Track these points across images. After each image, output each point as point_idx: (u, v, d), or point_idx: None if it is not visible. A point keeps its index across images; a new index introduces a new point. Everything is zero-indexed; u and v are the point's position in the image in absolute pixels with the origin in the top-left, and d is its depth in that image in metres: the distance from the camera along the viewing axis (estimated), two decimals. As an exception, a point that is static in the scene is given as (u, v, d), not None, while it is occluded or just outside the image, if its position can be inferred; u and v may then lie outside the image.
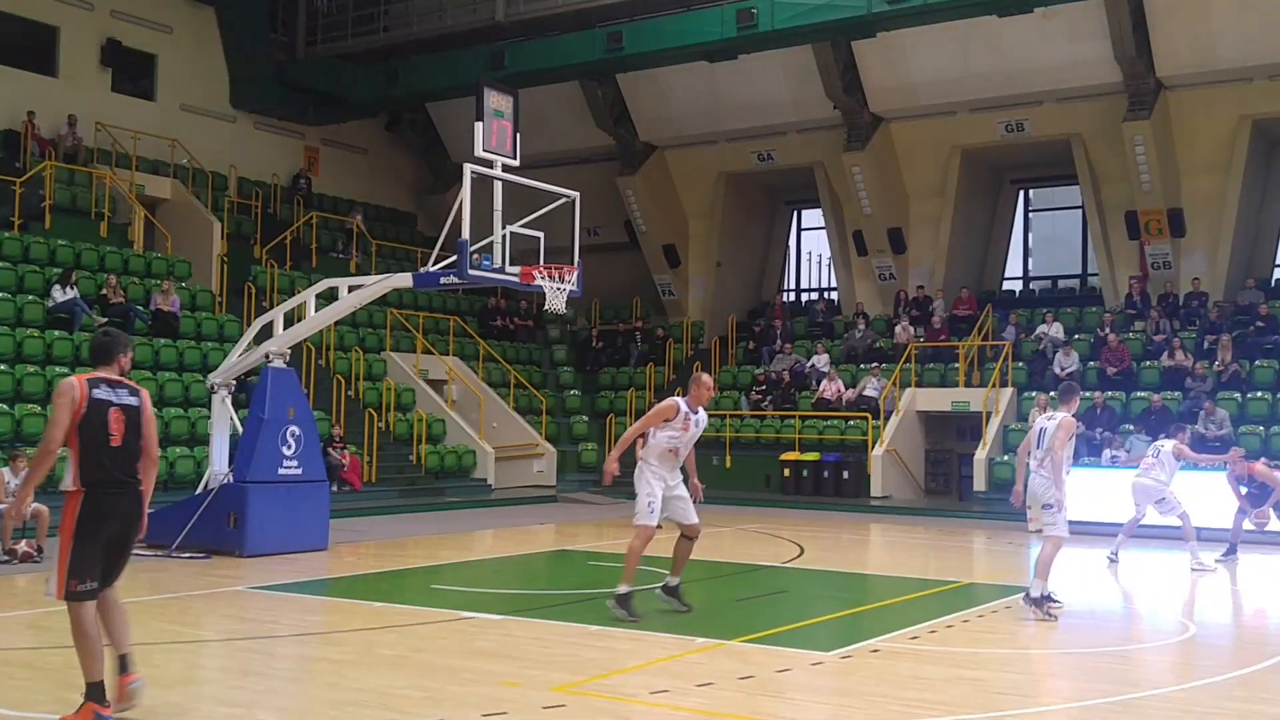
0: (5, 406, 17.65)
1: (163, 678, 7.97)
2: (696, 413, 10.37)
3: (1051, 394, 22.30)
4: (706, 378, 10.56)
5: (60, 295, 20.15)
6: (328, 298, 15.62)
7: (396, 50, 28.87)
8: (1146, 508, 15.04)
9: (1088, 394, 22.08)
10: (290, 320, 15.73)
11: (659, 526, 10.25)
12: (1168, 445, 14.96)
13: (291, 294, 17.58)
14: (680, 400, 10.27)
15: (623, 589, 10.15)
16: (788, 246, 31.97)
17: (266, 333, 15.67)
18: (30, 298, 20.09)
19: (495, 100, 13.86)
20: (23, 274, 20.59)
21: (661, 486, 10.15)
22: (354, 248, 27.85)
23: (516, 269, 13.96)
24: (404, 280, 14.90)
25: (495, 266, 13.74)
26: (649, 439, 10.29)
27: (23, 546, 13.49)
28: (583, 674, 8.26)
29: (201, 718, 7.02)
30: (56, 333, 19.62)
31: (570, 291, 14.07)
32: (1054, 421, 10.84)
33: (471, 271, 13.49)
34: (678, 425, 10.15)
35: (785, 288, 31.84)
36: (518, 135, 14.08)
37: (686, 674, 8.14)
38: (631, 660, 8.68)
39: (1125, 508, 15.31)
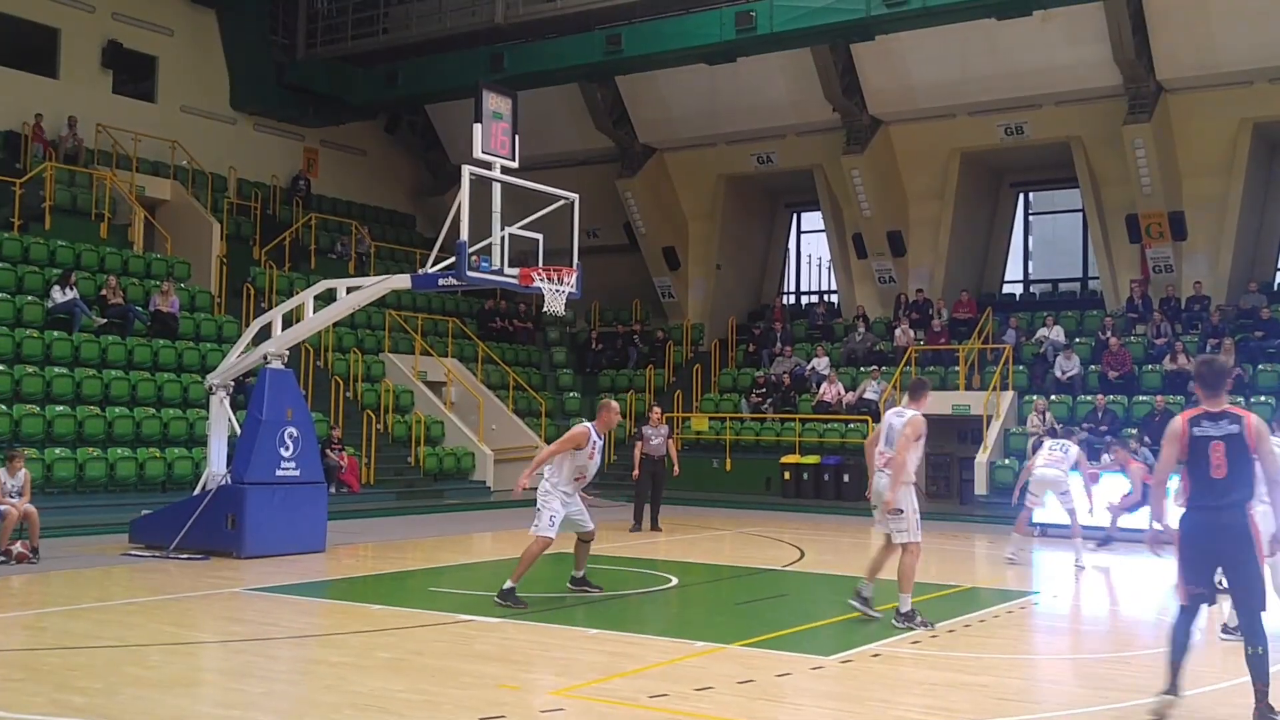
0: (4, 407, 17.61)
1: (159, 679, 7.93)
2: (601, 439, 11.05)
3: (1053, 397, 22.32)
4: (614, 404, 11.10)
5: (60, 296, 20.12)
6: (326, 299, 15.58)
7: (396, 52, 28.87)
8: (1046, 497, 15.27)
9: (1088, 398, 22.06)
10: (289, 321, 15.70)
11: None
12: (1074, 449, 15.29)
13: (290, 295, 17.57)
14: (591, 427, 10.83)
15: (509, 584, 10.78)
16: (787, 249, 31.93)
17: (265, 334, 15.64)
18: (30, 298, 20.07)
19: (494, 102, 13.84)
20: (22, 274, 20.56)
21: (561, 502, 10.92)
22: (352, 249, 27.82)
23: (515, 271, 13.92)
24: (403, 282, 14.88)
25: (494, 268, 13.72)
26: (559, 464, 10.96)
27: (18, 548, 13.44)
28: (581, 678, 8.22)
29: (198, 720, 6.98)
30: (56, 333, 19.58)
31: (569, 293, 14.05)
32: (902, 419, 10.17)
33: (470, 273, 13.47)
34: (585, 454, 10.72)
35: (785, 290, 31.80)
36: (517, 137, 14.06)
37: (685, 678, 8.09)
38: (630, 664, 8.63)
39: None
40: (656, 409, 19.27)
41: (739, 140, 28.27)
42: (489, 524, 19.36)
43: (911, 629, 9.84)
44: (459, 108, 26.59)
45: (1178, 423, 7.07)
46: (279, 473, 14.77)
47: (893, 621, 9.98)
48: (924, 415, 10.22)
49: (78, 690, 7.52)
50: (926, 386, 10.77)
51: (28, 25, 24.91)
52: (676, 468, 19.05)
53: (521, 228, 13.98)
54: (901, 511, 10.03)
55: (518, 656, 8.94)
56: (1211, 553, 6.96)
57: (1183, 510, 7.08)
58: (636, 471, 18.52)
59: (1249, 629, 6.94)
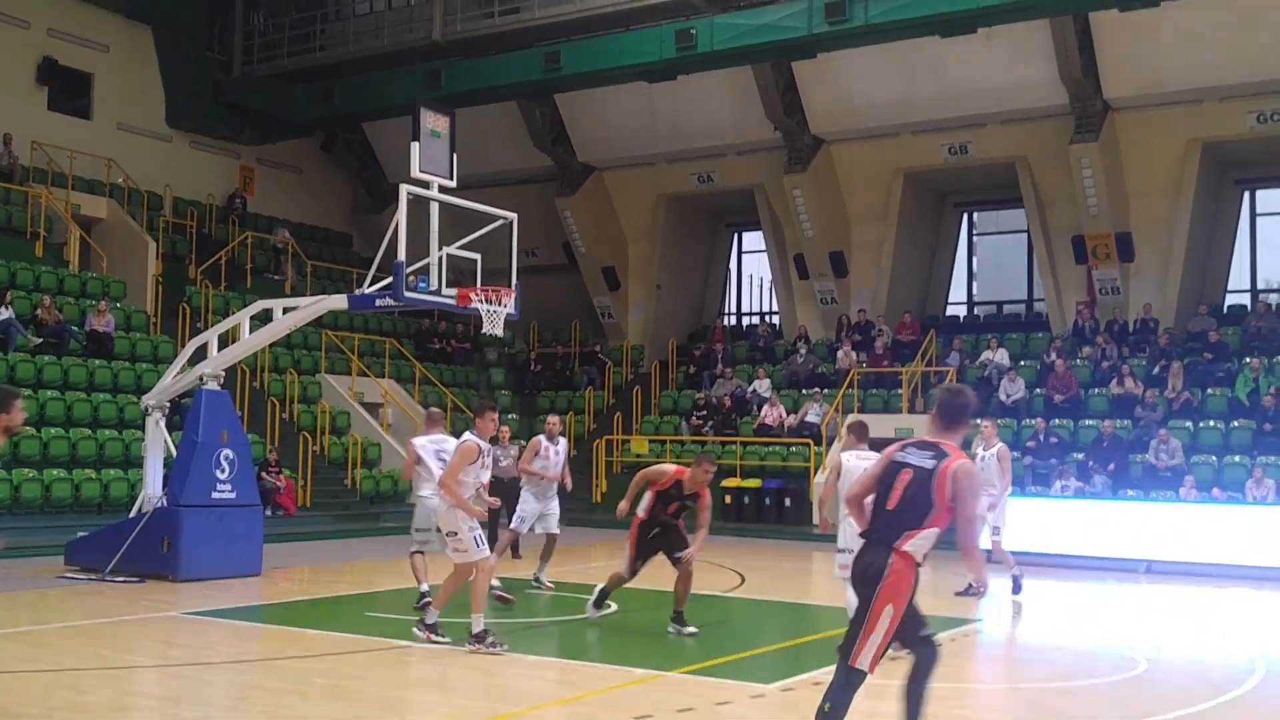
0: (-68, 429, 17.21)
1: (93, 704, 7.79)
2: (491, 448, 10.69)
3: (984, 423, 22.43)
4: (492, 413, 10.37)
5: (-7, 315, 19.74)
6: (263, 319, 15.42)
7: (333, 69, 28.67)
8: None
9: (1031, 422, 21.94)
10: (225, 342, 15.52)
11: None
12: (989, 455, 14.78)
13: (226, 315, 17.38)
14: (475, 438, 10.09)
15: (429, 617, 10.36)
16: (729, 269, 31.97)
17: (201, 354, 15.45)
18: (-42, 318, 19.65)
19: (431, 120, 13.73)
20: (-48, 294, 20.14)
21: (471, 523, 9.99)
22: (289, 268, 27.56)
23: (453, 291, 13.81)
24: (339, 302, 14.77)
25: (432, 289, 13.60)
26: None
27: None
28: (519, 705, 8.16)
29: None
30: (-14, 353, 19.21)
31: (508, 314, 13.97)
32: (867, 461, 9.85)
33: (407, 294, 13.37)
34: (477, 466, 10.08)
35: (726, 311, 31.85)
36: (454, 156, 13.97)
37: (624, 706, 8.05)
38: (569, 691, 8.59)
39: (1069, 538, 15.38)
40: (505, 428, 17.53)
41: (679, 159, 28.24)
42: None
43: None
44: (396, 125, 26.41)
45: (893, 446, 6.43)
46: (215, 495, 14.58)
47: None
48: (879, 439, 10.16)
49: (11, 715, 7.36)
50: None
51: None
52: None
53: (459, 247, 13.88)
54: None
55: (455, 683, 8.86)
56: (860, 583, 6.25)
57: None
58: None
59: (836, 675, 6.27)
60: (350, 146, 31.74)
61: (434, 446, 11.77)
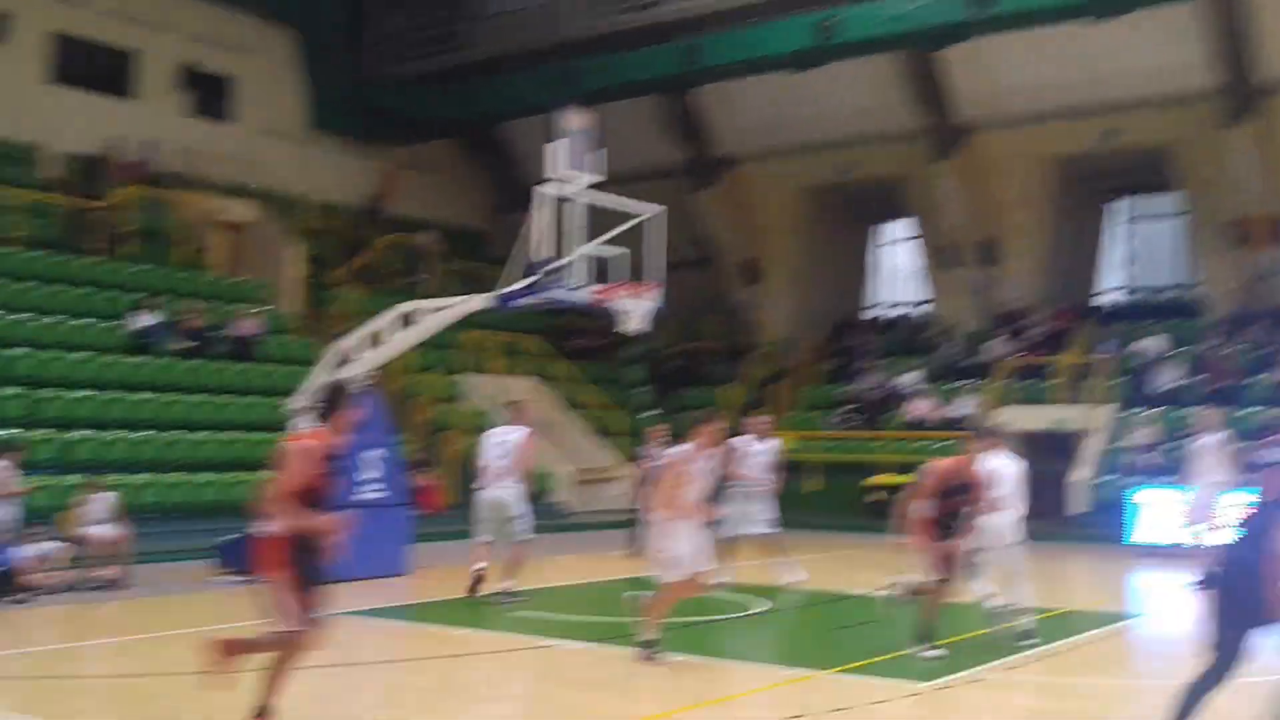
0: (90, 431, 17.65)
1: (245, 704, 7.73)
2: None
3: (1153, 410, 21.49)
4: (716, 424, 9.73)
5: (141, 320, 20.20)
6: (408, 320, 15.45)
7: (471, 69, 28.83)
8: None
9: (1188, 410, 21.06)
10: (371, 343, 15.57)
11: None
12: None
13: (369, 316, 17.47)
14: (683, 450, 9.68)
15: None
16: (873, 261, 31.27)
17: (347, 356, 15.51)
18: (112, 323, 20.15)
19: (571, 118, 13.67)
20: (104, 299, 20.66)
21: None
22: (430, 269, 27.75)
23: (594, 288, 13.68)
24: (483, 302, 14.70)
25: (572, 286, 13.49)
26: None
27: (108, 573, 13.38)
28: (669, 705, 7.92)
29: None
30: (138, 358, 19.64)
31: (650, 310, 13.77)
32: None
33: (548, 292, 13.31)
34: (692, 476, 9.51)
35: (871, 303, 31.15)
36: (594, 153, 13.84)
37: (776, 705, 7.78)
38: (719, 691, 8.36)
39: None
40: (659, 428, 17.88)
41: (820, 150, 27.61)
42: (570, 546, 19.04)
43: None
44: (534, 124, 26.33)
45: None
46: (364, 495, 14.61)
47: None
48: (1032, 431, 9.80)
49: (173, 715, 7.39)
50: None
51: (104, 48, 25.09)
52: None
53: (599, 245, 13.76)
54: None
55: (606, 683, 8.66)
56: None
57: None
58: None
59: None
60: (488, 146, 31.92)
61: (497, 437, 12.60)
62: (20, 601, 12.33)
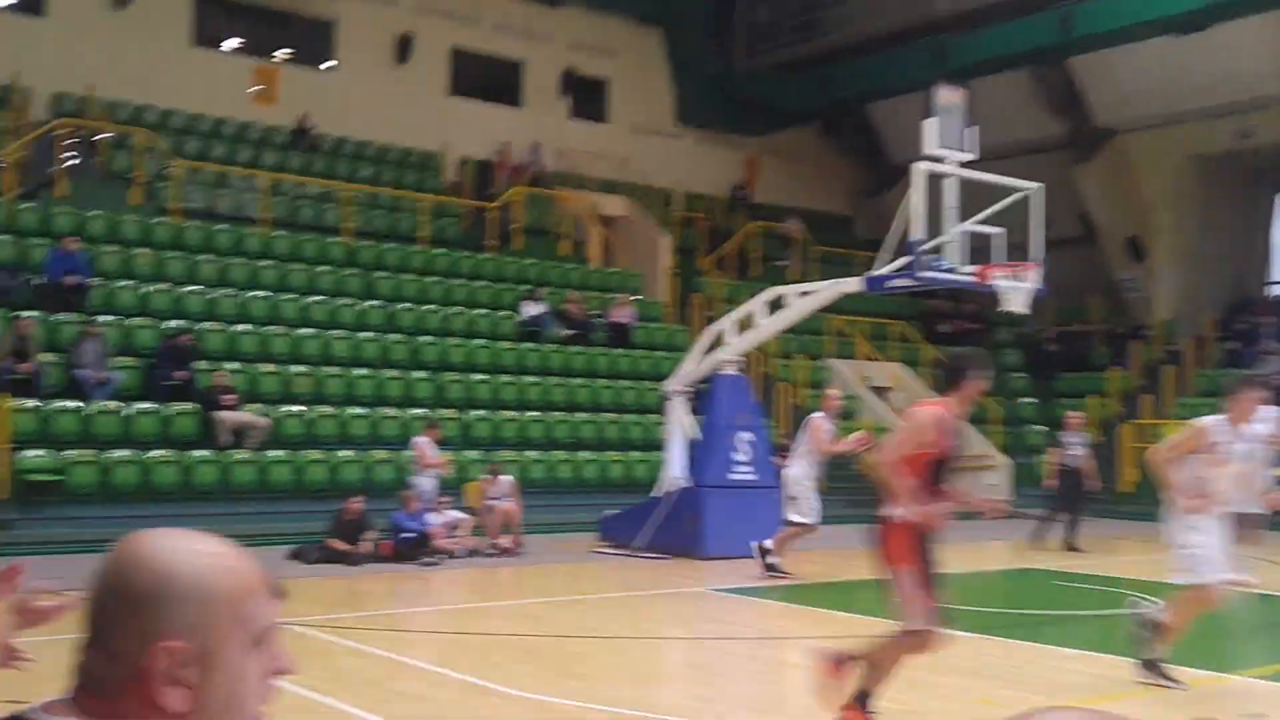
0: (485, 412, 19.03)
1: (636, 666, 8.19)
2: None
3: None
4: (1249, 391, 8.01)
5: (529, 310, 21.53)
6: (775, 305, 15.64)
7: (834, 54, 28.75)
8: None
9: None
10: (739, 328, 15.87)
11: None
12: None
13: (735, 303, 17.84)
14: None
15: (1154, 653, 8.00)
16: (1272, 234, 28.76)
17: (718, 341, 15.88)
18: (504, 313, 21.64)
19: (944, 96, 13.42)
20: (497, 291, 22.22)
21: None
22: (796, 254, 27.93)
23: (972, 269, 13.35)
24: (854, 285, 14.65)
25: (948, 267, 13.22)
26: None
27: (504, 542, 14.41)
28: (1061, 697, 7.62)
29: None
30: (527, 344, 20.98)
31: (1031, 291, 13.31)
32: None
33: (924, 273, 13.07)
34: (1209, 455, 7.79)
35: (1273, 280, 28.65)
36: (969, 130, 13.52)
37: (1180, 705, 7.32)
38: (1113, 687, 7.93)
39: None
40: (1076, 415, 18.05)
41: (1211, 115, 25.64)
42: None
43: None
44: (901, 104, 26.02)
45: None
46: (734, 477, 14.96)
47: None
48: None
49: (575, 676, 7.90)
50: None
51: (497, 61, 27.03)
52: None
53: (977, 223, 13.41)
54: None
55: (993, 672, 8.46)
56: None
57: None
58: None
59: None
60: (851, 129, 31.73)
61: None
62: (432, 564, 13.55)
